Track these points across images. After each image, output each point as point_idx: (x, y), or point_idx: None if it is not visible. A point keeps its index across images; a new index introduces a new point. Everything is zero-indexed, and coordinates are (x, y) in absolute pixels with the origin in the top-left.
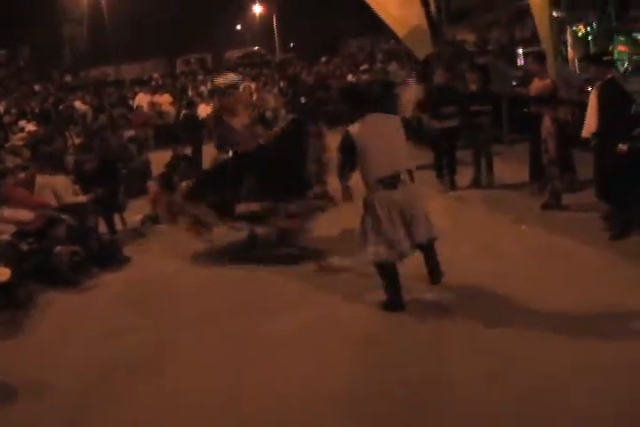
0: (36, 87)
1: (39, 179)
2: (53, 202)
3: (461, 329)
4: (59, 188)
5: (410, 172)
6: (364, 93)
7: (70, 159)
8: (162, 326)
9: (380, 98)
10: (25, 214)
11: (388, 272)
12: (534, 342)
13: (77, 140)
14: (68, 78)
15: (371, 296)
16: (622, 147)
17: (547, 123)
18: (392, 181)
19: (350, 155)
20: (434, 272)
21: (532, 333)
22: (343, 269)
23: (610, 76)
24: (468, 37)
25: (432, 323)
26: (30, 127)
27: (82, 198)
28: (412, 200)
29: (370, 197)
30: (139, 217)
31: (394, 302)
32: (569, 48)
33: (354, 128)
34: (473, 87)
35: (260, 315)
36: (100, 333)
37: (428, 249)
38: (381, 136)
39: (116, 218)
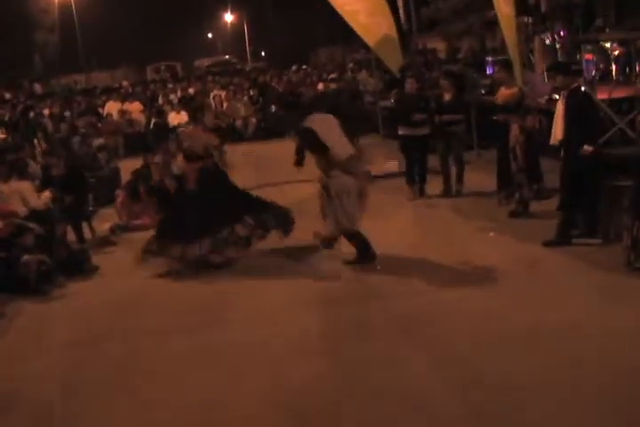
0: (7, 95)
1: (5, 187)
2: (22, 208)
3: (429, 340)
4: (26, 193)
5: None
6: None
7: (35, 167)
8: (128, 337)
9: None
10: None
11: (354, 235)
12: (501, 355)
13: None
14: (37, 87)
15: (343, 310)
16: (587, 148)
17: (515, 131)
18: (350, 164)
19: (313, 140)
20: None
21: (501, 345)
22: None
23: (576, 84)
24: (438, 46)
25: (392, 331)
26: None
27: (47, 199)
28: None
29: (329, 179)
30: (107, 225)
31: (367, 254)
32: (536, 57)
33: (307, 123)
34: (447, 96)
35: (230, 326)
36: (67, 343)
37: None
38: (329, 128)
39: (85, 226)
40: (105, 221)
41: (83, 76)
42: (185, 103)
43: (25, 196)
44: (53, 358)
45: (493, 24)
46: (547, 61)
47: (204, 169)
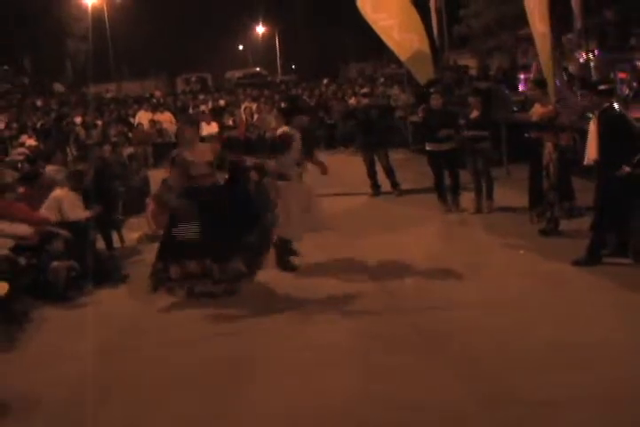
0: (38, 102)
1: (56, 192)
2: (56, 216)
3: (453, 356)
4: (65, 203)
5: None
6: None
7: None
8: (155, 346)
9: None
10: (23, 229)
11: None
12: (528, 370)
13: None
14: (57, 86)
15: (369, 325)
16: (626, 169)
17: (548, 149)
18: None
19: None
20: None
21: (528, 360)
22: None
23: (608, 104)
24: (469, 62)
25: (418, 345)
26: (30, 142)
27: (84, 214)
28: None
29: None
30: (136, 235)
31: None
32: (570, 74)
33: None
34: (474, 113)
35: (257, 337)
36: (92, 350)
37: None
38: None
39: (115, 235)
40: (134, 230)
41: (113, 85)
42: (216, 114)
43: (63, 206)
44: (76, 364)
45: (525, 41)
46: (581, 80)
47: (208, 188)
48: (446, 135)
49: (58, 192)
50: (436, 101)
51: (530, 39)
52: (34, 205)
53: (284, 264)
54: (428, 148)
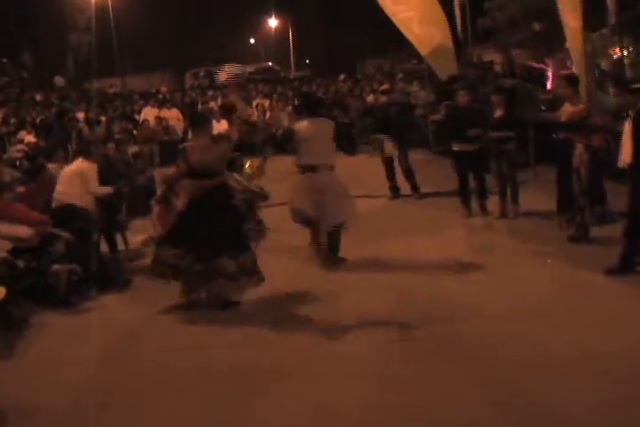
0: (38, 96)
1: (67, 168)
2: (78, 191)
3: (473, 366)
4: (91, 176)
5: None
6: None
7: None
8: (158, 353)
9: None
10: (23, 231)
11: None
12: (550, 377)
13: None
14: (58, 80)
15: (386, 332)
16: None
17: (579, 150)
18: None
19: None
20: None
21: (547, 369)
22: None
23: None
24: (494, 58)
25: (438, 357)
26: (29, 139)
27: (107, 189)
28: (326, 187)
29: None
30: (141, 237)
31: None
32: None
33: (297, 125)
34: (498, 112)
35: (270, 344)
36: (93, 357)
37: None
38: (313, 134)
39: (118, 238)
40: (139, 232)
41: (117, 79)
42: (226, 111)
43: (89, 179)
44: (76, 371)
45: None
46: (614, 78)
47: (212, 189)
48: (475, 135)
49: (79, 164)
50: (462, 98)
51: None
52: (35, 204)
53: (334, 258)
54: (454, 148)
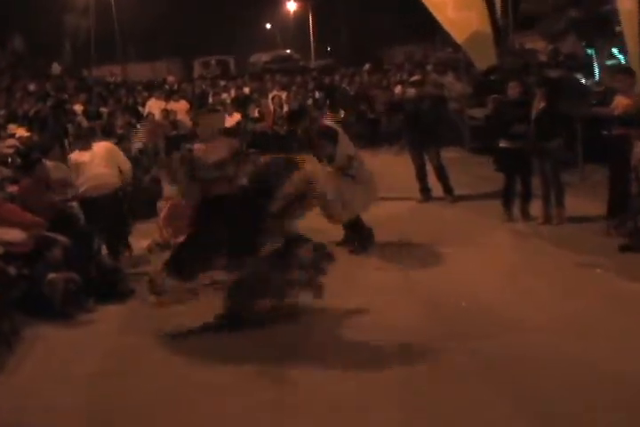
0: (31, 86)
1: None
2: (107, 169)
3: (513, 386)
4: (121, 155)
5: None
6: None
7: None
8: (160, 370)
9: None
10: (15, 234)
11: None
12: (593, 400)
13: None
14: (55, 68)
15: (427, 351)
16: None
17: (637, 148)
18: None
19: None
20: None
21: (594, 391)
22: None
23: None
24: (537, 46)
25: (477, 373)
26: (22, 133)
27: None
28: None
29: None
30: (146, 243)
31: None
32: None
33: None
34: (542, 105)
35: (302, 362)
36: (90, 374)
37: None
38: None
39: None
40: (143, 237)
41: (118, 67)
42: (239, 104)
43: (120, 158)
44: (71, 390)
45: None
46: None
47: (230, 197)
48: (520, 131)
49: (106, 144)
50: (513, 90)
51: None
52: (30, 204)
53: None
54: (501, 144)
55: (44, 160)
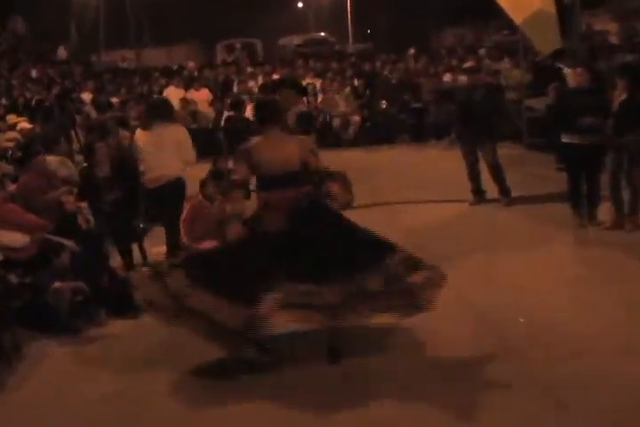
0: (33, 72)
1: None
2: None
3: (580, 418)
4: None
5: None
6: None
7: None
8: (179, 393)
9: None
10: (16, 238)
11: None
12: None
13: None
14: (61, 52)
15: (486, 376)
16: None
17: None
18: None
19: None
20: None
21: None
22: None
23: None
24: (608, 27)
25: (541, 402)
26: (23, 124)
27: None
28: None
29: None
30: (163, 249)
31: None
32: None
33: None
34: (623, 96)
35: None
36: (100, 399)
37: None
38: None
39: (135, 249)
40: (160, 243)
41: (131, 52)
42: (268, 93)
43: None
44: (79, 414)
45: None
46: None
47: (301, 200)
48: (591, 124)
49: (178, 129)
50: (580, 77)
51: None
52: (31, 202)
53: None
54: (564, 140)
55: (42, 153)
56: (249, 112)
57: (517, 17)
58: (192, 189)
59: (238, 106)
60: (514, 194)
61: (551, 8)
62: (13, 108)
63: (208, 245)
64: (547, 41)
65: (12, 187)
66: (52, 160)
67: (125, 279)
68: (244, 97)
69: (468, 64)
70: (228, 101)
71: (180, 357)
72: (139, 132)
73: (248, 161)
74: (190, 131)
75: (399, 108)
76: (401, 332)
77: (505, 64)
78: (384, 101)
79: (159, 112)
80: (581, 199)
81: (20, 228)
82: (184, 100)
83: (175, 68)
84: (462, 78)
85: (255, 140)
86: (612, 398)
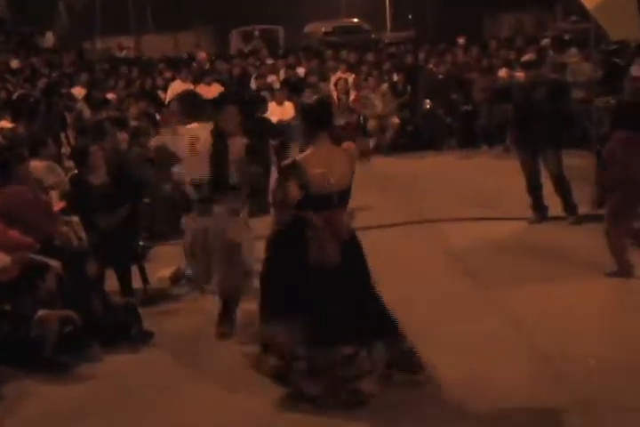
0: (14, 63)
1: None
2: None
3: None
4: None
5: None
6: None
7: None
8: None
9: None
10: None
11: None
12: None
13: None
14: (49, 38)
15: None
16: None
17: None
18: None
19: None
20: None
21: None
22: None
23: None
24: None
25: None
26: (4, 124)
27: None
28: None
29: None
30: (168, 272)
31: None
32: None
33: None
34: None
35: None
36: None
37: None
38: None
39: (134, 272)
40: (164, 264)
41: (130, 39)
42: (291, 90)
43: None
44: None
45: None
46: None
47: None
48: None
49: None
50: None
51: None
52: (13, 217)
53: None
54: None
55: (25, 158)
56: (271, 111)
57: (589, 2)
58: None
59: (257, 105)
60: (581, 211)
61: None
62: None
63: None
64: (621, 30)
65: None
66: (37, 166)
67: (122, 307)
68: (265, 94)
69: (527, 57)
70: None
71: (181, 400)
72: (182, 128)
73: (299, 179)
74: None
75: (446, 109)
76: (447, 364)
77: (572, 57)
78: (428, 100)
79: (200, 109)
80: None
81: (2, 246)
82: None
83: (183, 58)
84: (520, 74)
85: (305, 153)
86: None
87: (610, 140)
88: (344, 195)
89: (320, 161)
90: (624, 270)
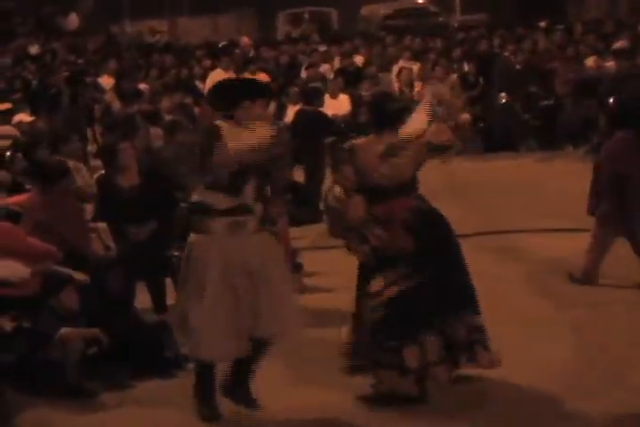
0: (33, 48)
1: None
2: None
3: None
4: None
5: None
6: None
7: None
8: None
9: None
10: (14, 270)
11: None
12: None
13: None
14: (72, 19)
15: None
16: None
17: None
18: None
19: None
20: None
21: None
22: None
23: None
24: None
25: None
26: (22, 117)
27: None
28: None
29: None
30: None
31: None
32: None
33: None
34: None
35: None
36: None
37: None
38: None
39: (169, 286)
40: None
41: (163, 22)
42: (347, 81)
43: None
44: None
45: None
46: None
47: (417, 211)
48: None
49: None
50: None
51: None
52: (40, 227)
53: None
54: None
55: (69, 171)
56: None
57: None
58: None
59: (311, 97)
60: None
61: None
62: (7, 96)
63: None
64: None
65: (13, 198)
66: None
67: (154, 325)
68: (318, 85)
69: (619, 44)
70: (295, 90)
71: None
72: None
73: (353, 163)
74: None
75: (523, 104)
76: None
77: None
78: (503, 94)
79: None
80: None
81: (19, 256)
82: None
83: (223, 45)
84: (611, 64)
85: (364, 139)
86: None
87: None
88: (403, 187)
89: (374, 150)
90: (587, 278)
